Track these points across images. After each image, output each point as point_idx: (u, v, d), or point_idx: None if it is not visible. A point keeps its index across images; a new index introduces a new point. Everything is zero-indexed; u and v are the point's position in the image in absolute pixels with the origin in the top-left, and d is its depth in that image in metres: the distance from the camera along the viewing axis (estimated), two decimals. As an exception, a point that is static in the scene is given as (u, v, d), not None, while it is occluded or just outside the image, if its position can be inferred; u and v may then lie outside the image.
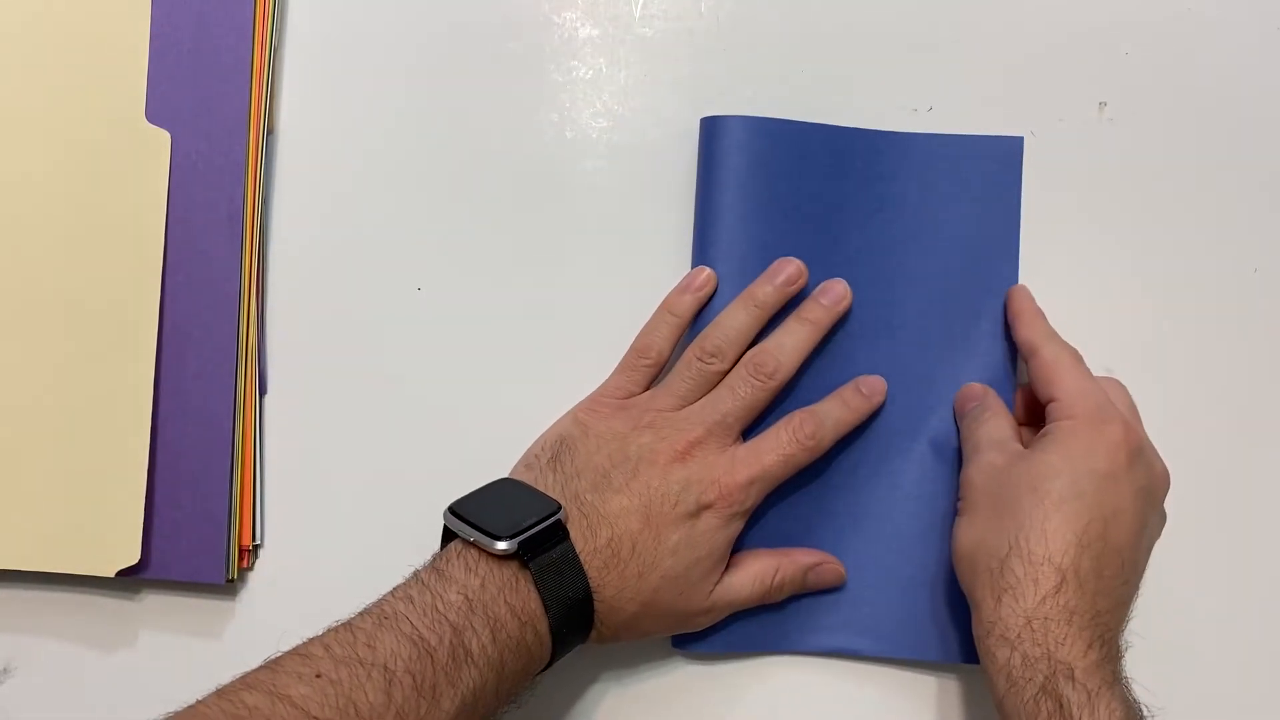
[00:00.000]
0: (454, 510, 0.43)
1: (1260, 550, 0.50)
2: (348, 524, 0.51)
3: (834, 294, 0.49)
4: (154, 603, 0.51)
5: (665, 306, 0.49)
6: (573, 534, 0.43)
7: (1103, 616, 0.41)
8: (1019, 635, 0.40)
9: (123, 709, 0.51)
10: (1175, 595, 0.49)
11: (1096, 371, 0.50)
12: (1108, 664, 0.40)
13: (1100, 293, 0.51)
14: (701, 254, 0.50)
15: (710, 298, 0.49)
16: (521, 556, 0.41)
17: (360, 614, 0.40)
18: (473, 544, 0.42)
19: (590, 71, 0.53)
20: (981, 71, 0.52)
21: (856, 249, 0.50)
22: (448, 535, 0.44)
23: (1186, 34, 0.52)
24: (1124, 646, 0.42)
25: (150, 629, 0.51)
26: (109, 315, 0.50)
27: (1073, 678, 0.39)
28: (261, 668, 0.38)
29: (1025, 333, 0.48)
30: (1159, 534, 0.46)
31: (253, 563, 0.51)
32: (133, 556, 0.49)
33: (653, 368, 0.49)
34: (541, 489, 0.45)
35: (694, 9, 0.53)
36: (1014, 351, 0.50)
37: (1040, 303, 0.50)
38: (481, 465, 0.50)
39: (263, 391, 0.52)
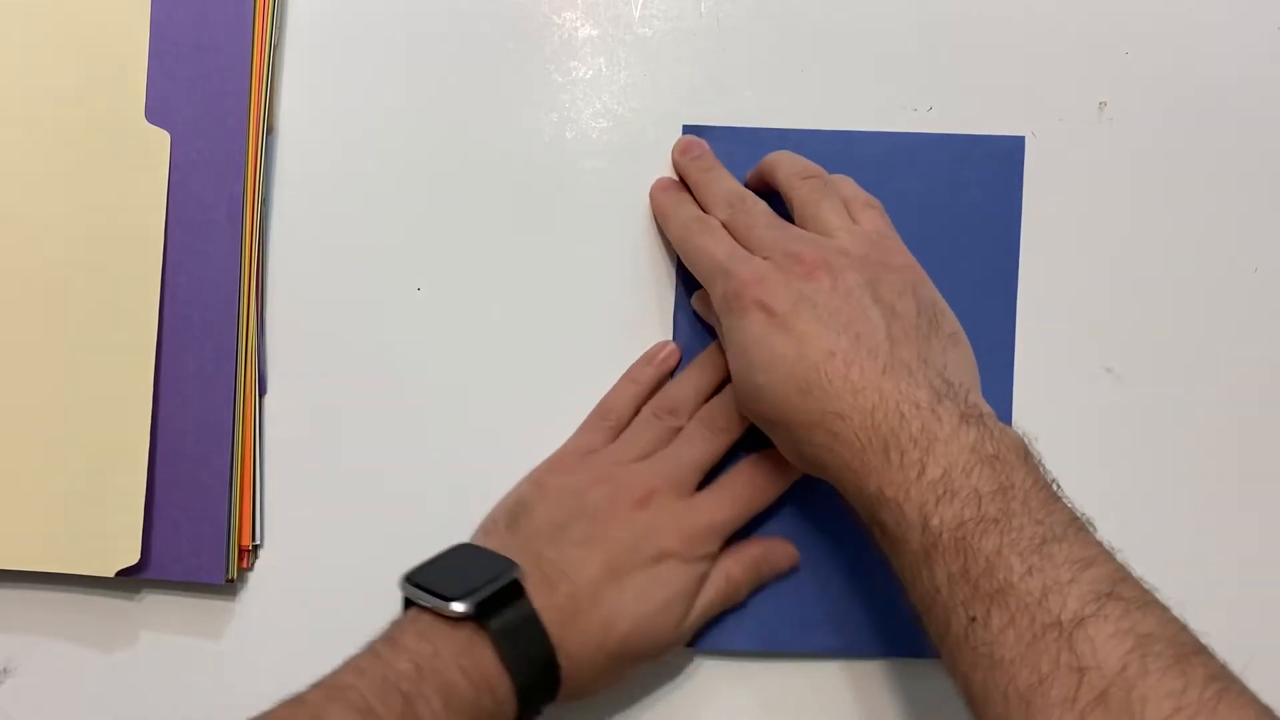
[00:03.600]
0: (409, 578, 0.43)
1: (1261, 550, 0.50)
2: (348, 524, 0.51)
3: None
4: (154, 603, 0.51)
5: (628, 376, 0.50)
6: (531, 591, 0.42)
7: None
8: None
9: (123, 709, 0.51)
10: (1172, 596, 0.49)
11: (1097, 371, 0.50)
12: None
13: (1100, 293, 0.51)
14: (685, 267, 0.50)
15: (673, 371, 0.50)
16: (478, 618, 0.40)
17: (312, 687, 0.40)
18: (427, 610, 0.41)
19: (590, 71, 0.53)
20: (981, 71, 0.52)
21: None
22: (409, 605, 0.43)
23: (1186, 34, 0.52)
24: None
25: (150, 629, 0.51)
26: (109, 315, 0.50)
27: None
28: None
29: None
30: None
31: (252, 563, 0.51)
32: (133, 556, 0.49)
33: (614, 429, 0.49)
34: (499, 551, 0.44)
35: (694, 9, 0.53)
36: (1012, 351, 0.50)
37: (1040, 302, 0.50)
38: (481, 464, 0.50)
39: (262, 391, 0.52)
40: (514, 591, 0.42)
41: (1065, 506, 0.38)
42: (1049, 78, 0.52)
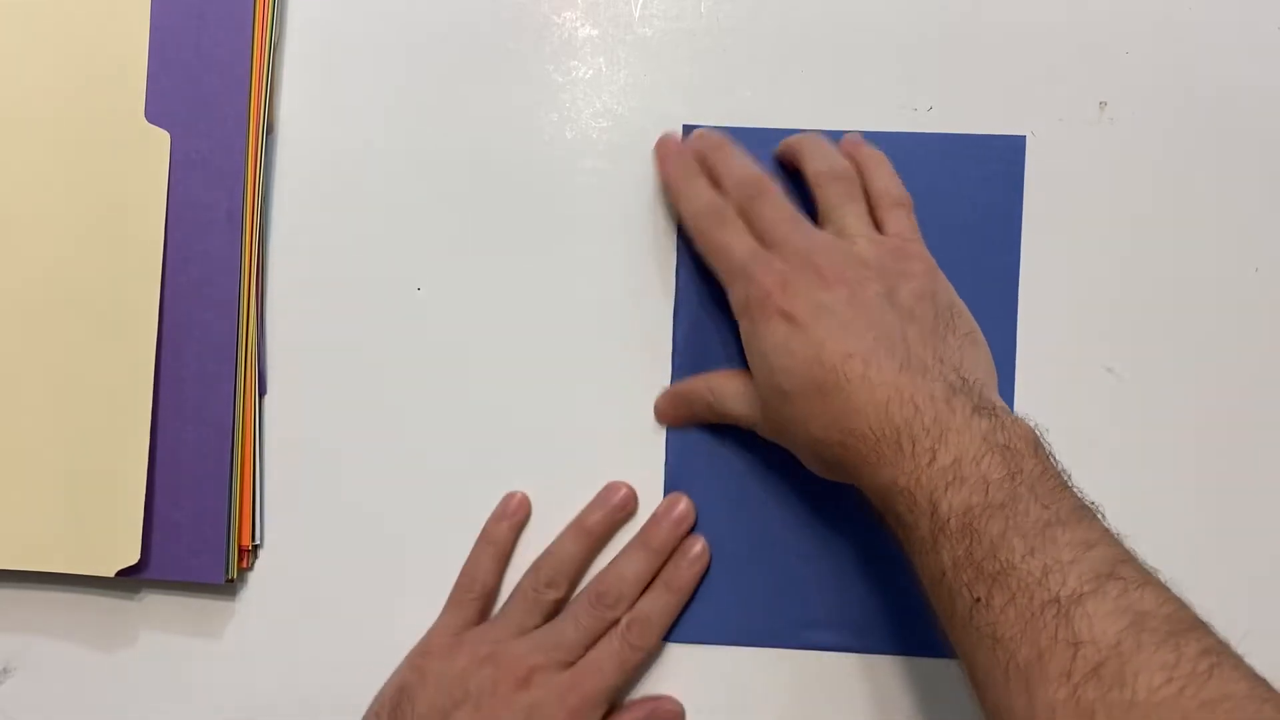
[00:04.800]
0: None
1: (1261, 549, 0.50)
2: (348, 524, 0.51)
3: (675, 515, 0.49)
4: (154, 603, 0.51)
5: (483, 537, 0.50)
6: None
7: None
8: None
9: (123, 709, 0.51)
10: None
11: (1096, 371, 0.50)
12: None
13: (1100, 293, 0.51)
14: (686, 267, 0.50)
15: (526, 521, 0.50)
16: None
17: None
18: None
19: (590, 71, 0.53)
20: (981, 71, 0.52)
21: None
22: None
23: (1187, 34, 0.52)
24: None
25: (150, 629, 0.51)
26: (108, 315, 0.50)
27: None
28: None
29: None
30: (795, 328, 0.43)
31: (252, 563, 0.51)
32: (133, 556, 0.49)
33: (479, 600, 0.49)
34: None
35: (694, 9, 0.53)
36: (1013, 351, 0.50)
37: (1041, 303, 0.50)
38: (481, 466, 0.50)
39: (262, 391, 0.51)
40: None
41: (1073, 494, 0.38)
42: (1049, 78, 0.52)
